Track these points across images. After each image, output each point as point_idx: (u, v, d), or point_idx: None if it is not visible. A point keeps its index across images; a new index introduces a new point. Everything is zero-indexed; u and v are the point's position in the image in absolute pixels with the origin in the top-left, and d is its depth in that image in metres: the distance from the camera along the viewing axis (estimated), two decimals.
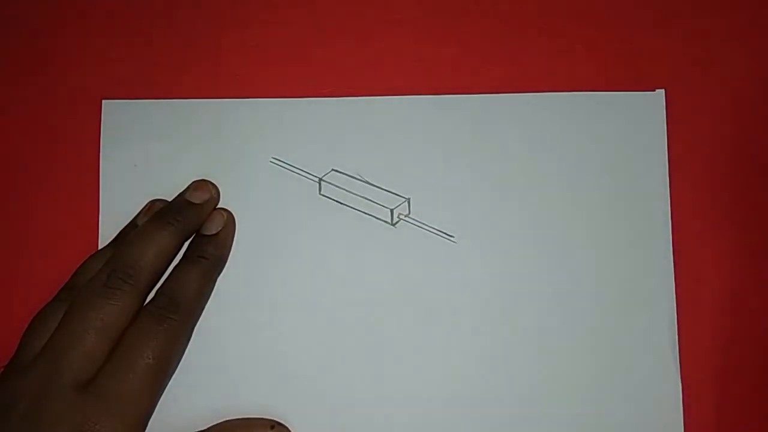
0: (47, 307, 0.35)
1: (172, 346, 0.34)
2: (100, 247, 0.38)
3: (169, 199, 0.38)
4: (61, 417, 0.32)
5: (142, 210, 0.38)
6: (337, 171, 0.38)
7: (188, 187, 0.38)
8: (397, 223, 0.38)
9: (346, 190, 0.38)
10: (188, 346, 0.36)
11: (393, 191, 0.38)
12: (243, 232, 0.38)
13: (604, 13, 0.39)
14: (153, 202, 0.38)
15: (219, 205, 0.38)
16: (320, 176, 0.38)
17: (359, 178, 0.38)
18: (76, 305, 0.33)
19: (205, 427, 0.36)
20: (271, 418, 0.36)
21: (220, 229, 0.37)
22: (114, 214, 0.38)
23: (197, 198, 0.37)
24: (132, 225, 0.37)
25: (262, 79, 0.39)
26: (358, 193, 0.38)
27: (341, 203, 0.38)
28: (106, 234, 0.38)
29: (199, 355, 0.37)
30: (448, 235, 0.37)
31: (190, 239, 0.37)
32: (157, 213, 0.37)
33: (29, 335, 0.35)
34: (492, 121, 0.38)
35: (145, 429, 0.34)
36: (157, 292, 0.35)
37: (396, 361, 0.37)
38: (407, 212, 0.38)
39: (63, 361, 0.32)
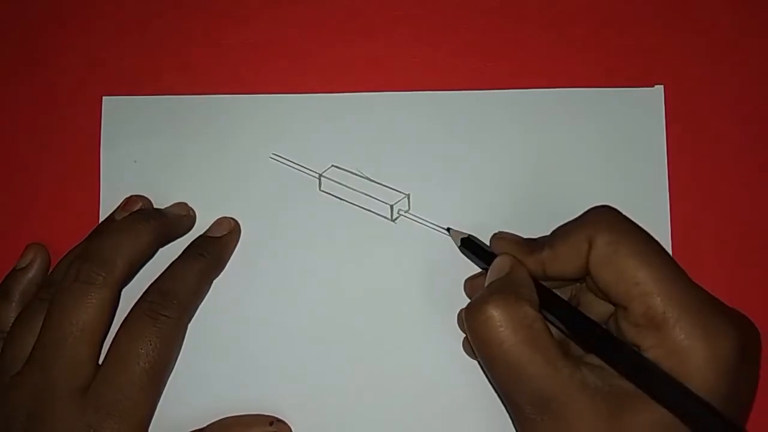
0: (27, 308, 0.35)
1: (167, 347, 0.34)
2: None
3: (161, 193, 0.38)
4: (62, 426, 0.32)
5: (119, 205, 0.37)
6: (337, 167, 0.38)
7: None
8: (396, 218, 0.38)
9: (346, 186, 0.38)
10: (187, 344, 0.36)
11: (393, 187, 0.38)
12: (243, 229, 0.38)
13: (603, 9, 0.39)
14: (130, 197, 0.38)
15: (219, 205, 0.38)
16: (320, 172, 0.38)
17: (359, 174, 0.38)
18: (53, 309, 0.33)
19: (204, 425, 0.36)
20: (271, 414, 0.36)
21: (224, 233, 0.37)
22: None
23: (183, 210, 0.38)
24: (109, 220, 0.37)
25: (261, 75, 0.39)
26: (358, 189, 0.38)
27: (341, 199, 0.38)
28: None
29: (198, 353, 0.37)
30: (447, 231, 0.37)
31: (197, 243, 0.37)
32: (135, 211, 0.37)
33: (13, 340, 0.34)
34: (491, 118, 0.38)
35: (147, 431, 0.34)
36: (149, 287, 0.35)
37: (394, 357, 0.37)
38: (407, 208, 0.38)
39: (52, 372, 0.32)
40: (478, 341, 0.29)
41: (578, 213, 0.31)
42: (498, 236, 0.34)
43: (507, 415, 0.35)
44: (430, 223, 0.37)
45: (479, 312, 0.29)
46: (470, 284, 0.36)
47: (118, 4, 0.40)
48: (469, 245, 0.35)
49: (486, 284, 0.31)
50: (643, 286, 0.28)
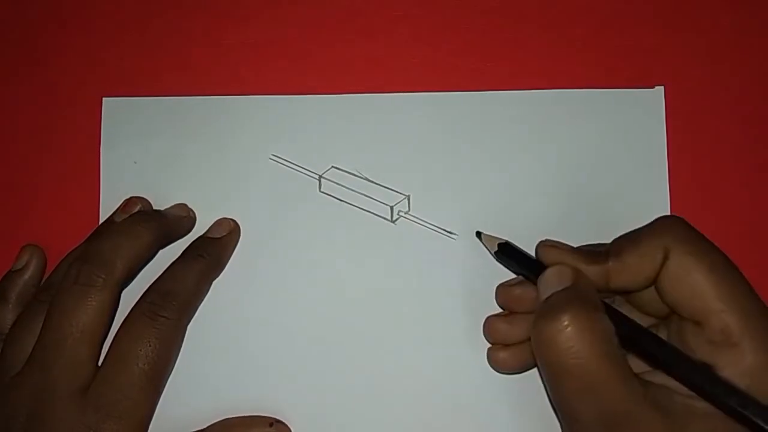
0: (26, 310, 0.35)
1: (166, 348, 0.34)
2: None
3: (161, 194, 0.38)
4: (62, 427, 0.32)
5: (119, 207, 0.37)
6: (337, 168, 0.38)
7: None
8: (396, 220, 0.38)
9: (346, 187, 0.38)
10: (187, 344, 0.36)
11: (393, 188, 0.38)
12: (243, 230, 0.38)
13: (603, 9, 0.39)
14: (130, 198, 0.37)
15: (219, 205, 0.38)
16: (320, 173, 0.38)
17: (359, 175, 0.38)
18: (53, 310, 0.33)
19: (204, 426, 0.36)
20: (270, 415, 0.36)
21: (224, 234, 0.37)
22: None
23: (183, 211, 0.38)
24: (109, 221, 0.37)
25: (261, 76, 0.39)
26: (358, 190, 0.38)
27: (341, 200, 0.38)
28: None
29: (198, 353, 0.37)
30: (447, 231, 0.37)
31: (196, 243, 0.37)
32: (135, 213, 0.37)
33: (12, 341, 0.35)
34: (492, 119, 0.38)
35: (147, 431, 0.34)
36: (149, 288, 0.35)
37: (395, 358, 0.37)
38: (407, 209, 0.38)
39: (52, 373, 0.32)
40: (548, 352, 0.28)
41: (578, 213, 0.31)
42: (548, 244, 0.32)
43: (506, 415, 0.36)
44: (430, 224, 0.37)
45: (554, 321, 0.27)
46: (506, 291, 0.35)
47: (118, 4, 0.40)
48: (508, 251, 0.34)
49: (544, 295, 0.30)
50: (722, 302, 0.27)
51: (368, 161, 0.38)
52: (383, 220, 0.38)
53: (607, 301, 0.32)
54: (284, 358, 0.37)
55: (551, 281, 0.30)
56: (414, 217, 0.38)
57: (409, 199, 0.38)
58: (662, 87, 0.38)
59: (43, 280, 0.37)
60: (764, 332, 0.27)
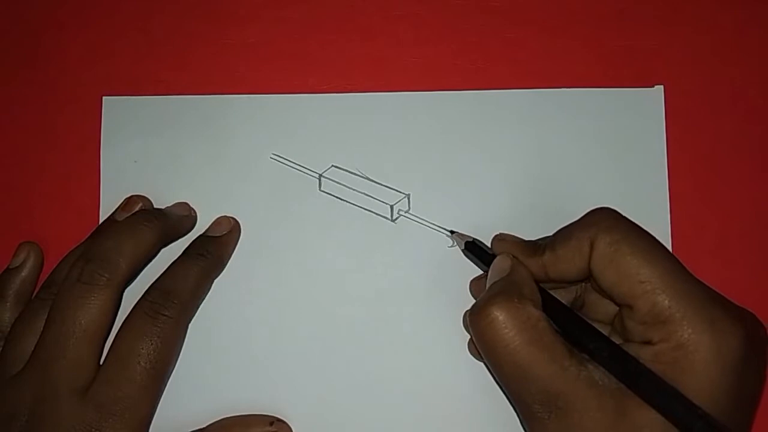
0: (28, 308, 0.35)
1: (167, 347, 0.34)
2: None
3: (161, 193, 0.38)
4: (64, 426, 0.32)
5: (119, 205, 0.37)
6: (337, 167, 0.38)
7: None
8: (397, 219, 0.38)
9: (346, 186, 0.38)
10: (187, 344, 0.36)
11: (393, 187, 0.38)
12: (243, 229, 0.38)
13: (603, 9, 0.39)
14: (131, 197, 0.38)
15: (219, 205, 0.38)
16: (320, 172, 0.38)
17: (359, 174, 0.38)
18: (56, 309, 0.33)
19: (204, 425, 0.36)
20: (271, 414, 0.36)
21: (224, 233, 0.37)
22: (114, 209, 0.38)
23: (184, 210, 0.38)
24: (110, 220, 0.37)
25: (262, 75, 0.39)
26: (358, 189, 0.38)
27: (341, 199, 0.38)
28: None
29: (198, 353, 0.37)
30: (447, 231, 0.37)
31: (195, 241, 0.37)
32: (137, 212, 0.37)
33: (14, 340, 0.35)
34: (491, 118, 0.38)
35: (147, 430, 0.34)
36: (150, 286, 0.35)
37: (395, 357, 0.37)
38: (407, 208, 0.38)
39: (53, 372, 0.32)
40: (483, 344, 0.29)
41: (578, 213, 0.32)
42: (499, 237, 0.34)
43: (508, 414, 0.36)
44: (430, 223, 0.37)
45: (483, 314, 0.29)
46: (475, 286, 0.36)
47: (118, 4, 0.40)
48: (473, 249, 0.35)
49: (487, 285, 0.32)
50: (647, 284, 0.28)
51: (368, 160, 0.38)
52: (383, 219, 0.38)
53: (575, 288, 0.33)
54: (284, 357, 0.37)
55: (493, 272, 0.32)
56: (414, 216, 0.38)
57: (409, 198, 0.38)
58: (662, 86, 0.38)
59: (45, 279, 0.37)
60: (693, 308, 0.28)
